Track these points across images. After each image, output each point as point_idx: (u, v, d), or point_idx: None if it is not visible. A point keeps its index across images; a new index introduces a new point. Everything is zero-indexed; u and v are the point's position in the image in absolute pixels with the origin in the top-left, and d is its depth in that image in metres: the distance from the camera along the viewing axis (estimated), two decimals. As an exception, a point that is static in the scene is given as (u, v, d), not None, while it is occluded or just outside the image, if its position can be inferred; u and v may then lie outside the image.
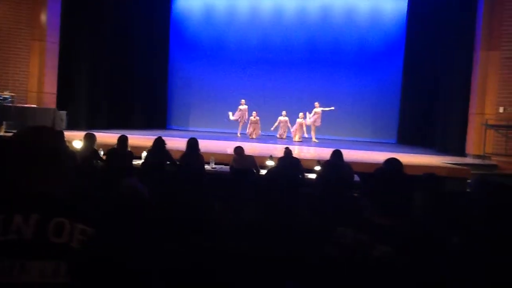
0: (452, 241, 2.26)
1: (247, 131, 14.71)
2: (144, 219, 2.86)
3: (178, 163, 6.74)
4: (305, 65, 17.05)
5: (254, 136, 14.46)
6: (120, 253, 1.34)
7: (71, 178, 1.42)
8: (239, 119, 14.98)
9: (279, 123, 14.60)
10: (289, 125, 14.54)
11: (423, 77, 15.36)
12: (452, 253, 2.09)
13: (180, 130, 17.30)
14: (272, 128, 14.72)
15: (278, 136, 14.78)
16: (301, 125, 14.24)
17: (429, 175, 3.24)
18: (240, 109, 14.87)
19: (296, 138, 14.23)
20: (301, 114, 14.27)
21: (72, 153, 6.75)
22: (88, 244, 1.25)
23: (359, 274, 1.73)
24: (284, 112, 14.63)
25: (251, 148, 10.73)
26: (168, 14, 18.00)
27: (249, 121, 14.65)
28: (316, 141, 14.24)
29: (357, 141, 15.80)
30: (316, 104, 14.41)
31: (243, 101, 14.97)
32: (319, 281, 1.85)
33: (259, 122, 14.63)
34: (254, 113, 14.59)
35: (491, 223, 2.25)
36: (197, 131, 16.65)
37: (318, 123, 14.35)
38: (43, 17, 13.04)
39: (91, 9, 14.46)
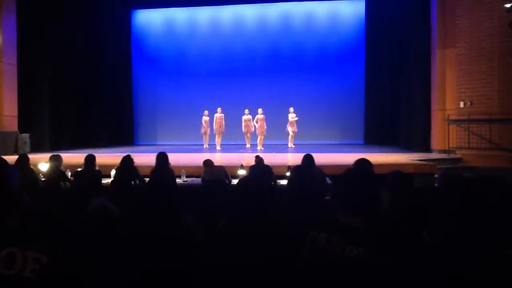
0: (423, 237, 2.31)
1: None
2: (115, 237, 2.80)
3: (146, 179, 6.64)
4: (269, 73, 17.20)
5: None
6: (80, 278, 1.26)
7: (22, 205, 1.33)
8: (204, 130, 14.86)
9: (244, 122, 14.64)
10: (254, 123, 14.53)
11: (386, 76, 15.73)
12: (423, 248, 2.14)
13: (148, 145, 17.12)
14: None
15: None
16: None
17: (395, 173, 3.30)
18: (205, 120, 14.76)
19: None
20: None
21: (35, 176, 6.57)
22: (43, 273, 1.16)
23: (334, 275, 1.74)
24: (246, 111, 14.67)
25: (221, 158, 10.70)
26: (128, 29, 17.86)
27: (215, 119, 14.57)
28: (293, 146, 14.33)
29: (326, 144, 16.00)
30: (291, 109, 14.53)
31: (206, 112, 14.85)
32: (296, 285, 1.86)
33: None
34: (219, 109, 14.69)
35: (459, 217, 2.32)
36: (165, 144, 16.51)
37: (294, 129, 14.44)
38: (-2, 37, 12.68)
39: (49, 28, 14.20)
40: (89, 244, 2.52)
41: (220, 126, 14.51)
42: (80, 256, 1.31)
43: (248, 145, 14.59)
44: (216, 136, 14.63)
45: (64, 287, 1.20)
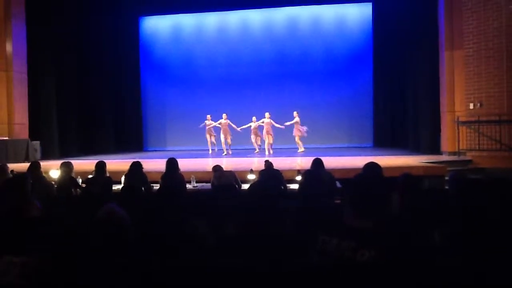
0: (434, 239, 2.30)
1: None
2: (125, 242, 2.82)
3: (154, 185, 6.68)
4: (276, 77, 17.19)
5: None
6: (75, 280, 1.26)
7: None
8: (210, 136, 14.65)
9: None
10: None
11: (394, 79, 15.69)
12: (434, 250, 2.13)
13: (158, 151, 17.19)
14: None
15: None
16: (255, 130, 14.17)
17: (405, 176, 3.29)
18: (206, 124, 14.56)
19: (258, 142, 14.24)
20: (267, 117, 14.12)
21: (48, 184, 6.63)
22: (33, 277, 1.16)
23: (346, 280, 1.74)
24: (254, 118, 14.29)
25: (230, 163, 10.71)
26: (136, 36, 18.00)
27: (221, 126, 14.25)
28: (303, 149, 14.07)
29: (335, 147, 15.96)
30: (295, 113, 14.26)
31: (208, 116, 14.64)
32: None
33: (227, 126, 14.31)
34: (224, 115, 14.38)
35: (469, 218, 2.31)
36: (174, 150, 16.56)
37: (302, 133, 14.12)
38: (8, 47, 12.83)
39: (58, 37, 14.35)
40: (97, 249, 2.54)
41: (227, 132, 14.28)
42: (72, 258, 1.31)
43: (257, 150, 14.40)
44: (227, 142, 14.39)
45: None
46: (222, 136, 14.30)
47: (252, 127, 14.21)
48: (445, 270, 1.98)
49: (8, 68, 12.83)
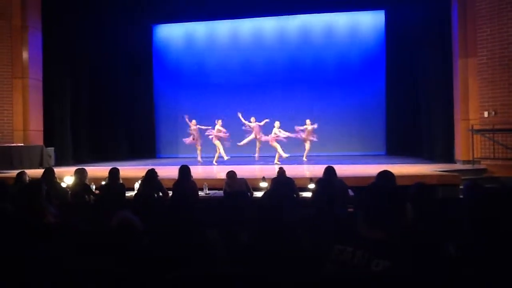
0: (449, 249, 2.28)
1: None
2: (138, 250, 2.84)
3: (169, 193, 6.72)
4: (289, 85, 17.18)
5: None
6: None
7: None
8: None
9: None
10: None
11: (407, 87, 15.56)
12: (449, 261, 2.11)
13: (170, 157, 17.27)
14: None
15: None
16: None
17: (419, 185, 3.26)
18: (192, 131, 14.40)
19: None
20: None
21: (64, 190, 6.71)
22: None
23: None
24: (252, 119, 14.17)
25: (242, 170, 10.70)
26: (149, 43, 18.17)
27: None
28: (305, 159, 13.91)
29: (347, 155, 15.86)
30: (307, 121, 13.99)
31: (193, 122, 14.49)
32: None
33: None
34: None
35: (484, 228, 2.28)
36: (187, 157, 16.61)
37: (312, 138, 13.90)
38: (25, 55, 13.04)
39: (73, 44, 14.55)
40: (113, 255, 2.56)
41: (220, 138, 14.02)
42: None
43: (256, 155, 14.06)
44: (222, 148, 14.13)
45: None
46: (218, 142, 14.03)
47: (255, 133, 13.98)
48: (459, 282, 1.95)
49: (24, 75, 13.04)
